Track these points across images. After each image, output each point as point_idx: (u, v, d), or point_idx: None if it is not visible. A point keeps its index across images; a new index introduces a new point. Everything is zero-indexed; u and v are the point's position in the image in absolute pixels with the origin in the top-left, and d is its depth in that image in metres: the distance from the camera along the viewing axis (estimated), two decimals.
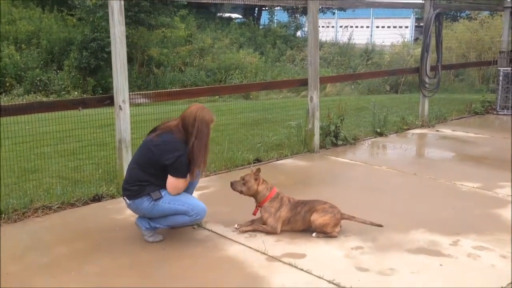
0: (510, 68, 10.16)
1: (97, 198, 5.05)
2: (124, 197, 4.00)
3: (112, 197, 5.12)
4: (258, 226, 4.25)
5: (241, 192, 4.24)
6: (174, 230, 4.19)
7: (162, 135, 3.91)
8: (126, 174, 4.06)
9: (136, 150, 4.10)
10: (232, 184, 4.24)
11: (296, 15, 28.06)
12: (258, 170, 4.22)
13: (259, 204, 4.25)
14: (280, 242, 4.06)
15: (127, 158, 5.12)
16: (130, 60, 16.69)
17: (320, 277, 3.46)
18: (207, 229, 4.29)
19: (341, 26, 29.02)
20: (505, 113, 10.11)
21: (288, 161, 6.57)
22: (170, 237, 4.13)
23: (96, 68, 16.71)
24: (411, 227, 4.34)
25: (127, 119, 5.09)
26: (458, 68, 13.98)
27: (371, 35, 31.43)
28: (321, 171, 6.24)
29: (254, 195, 4.24)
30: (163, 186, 3.94)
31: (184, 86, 17.62)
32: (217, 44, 21.06)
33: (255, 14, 30.86)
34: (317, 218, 4.08)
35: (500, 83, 10.23)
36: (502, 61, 10.40)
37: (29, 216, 4.59)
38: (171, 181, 3.88)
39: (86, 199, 4.99)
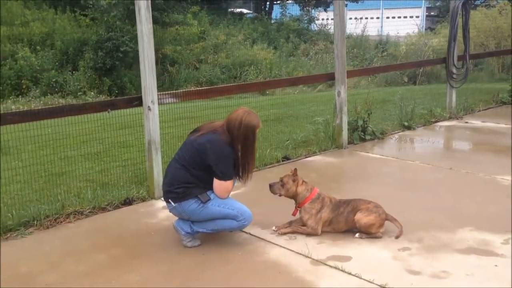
0: None
1: (128, 202, 4.94)
2: (169, 200, 3.85)
3: (143, 200, 5.00)
4: (297, 228, 4.11)
5: (280, 195, 4.10)
6: (211, 234, 4.06)
7: (207, 135, 3.78)
8: (167, 175, 3.92)
9: (177, 151, 3.97)
10: (270, 187, 4.10)
11: (308, 8, 27.76)
12: (296, 170, 4.07)
13: (299, 205, 4.10)
14: (323, 244, 3.91)
15: (157, 159, 5.00)
16: None
17: (370, 281, 3.30)
18: (245, 232, 4.15)
19: (350, 18, 28.67)
20: None
21: (317, 158, 6.41)
22: (207, 242, 3.99)
23: (112, 68, 16.62)
24: (458, 225, 4.17)
25: (156, 120, 4.96)
26: (485, 57, 13.65)
27: (381, 26, 31.10)
28: (353, 167, 6.08)
29: (294, 196, 4.09)
30: (208, 188, 3.82)
31: (199, 83, 17.47)
32: (230, 40, 20.88)
33: (267, 8, 30.62)
34: (362, 218, 3.93)
35: None
36: None
37: (61, 222, 4.48)
38: (217, 184, 3.76)
39: (117, 203, 4.87)
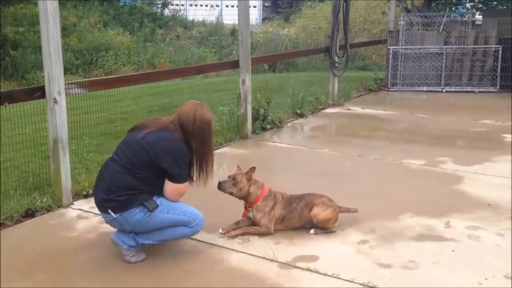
0: (398, 47, 10.72)
1: (30, 213, 4.14)
2: (109, 211, 3.24)
3: (49, 210, 4.24)
4: (248, 229, 3.80)
5: (231, 194, 3.74)
6: (156, 244, 3.55)
7: (158, 133, 3.26)
8: (104, 180, 3.29)
9: (115, 151, 3.37)
10: (220, 185, 3.71)
11: None
12: (253, 169, 3.74)
13: (250, 205, 3.79)
14: (280, 244, 3.66)
15: (64, 161, 4.28)
16: None
17: (351, 281, 3.16)
18: (191, 238, 3.71)
19: (201, 5, 28.44)
20: (395, 89, 10.68)
21: (226, 150, 6.12)
22: (153, 254, 3.49)
23: None
24: (397, 212, 4.23)
25: (63, 114, 4.23)
26: (362, 47, 14.46)
27: (221, 15, 31.36)
28: (265, 158, 5.91)
29: (245, 196, 3.76)
30: (154, 193, 3.31)
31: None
32: (82, 23, 19.29)
33: None
34: (319, 213, 3.76)
35: (390, 61, 10.76)
36: (391, 40, 10.93)
37: None
38: (172, 187, 3.27)
39: (17, 216, 4.05)
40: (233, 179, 3.70)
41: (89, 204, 4.34)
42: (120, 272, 3.28)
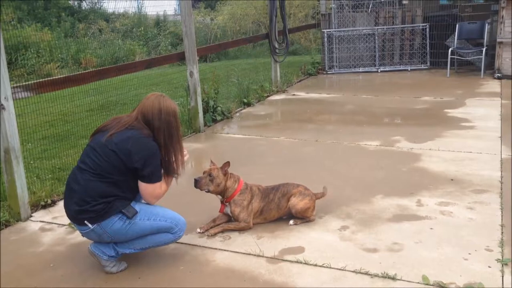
0: (332, 30, 10.87)
1: None
2: (86, 222, 3.01)
3: (6, 225, 3.92)
4: (227, 225, 3.70)
5: (208, 191, 3.61)
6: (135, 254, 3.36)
7: (124, 133, 3.05)
8: (74, 191, 3.03)
9: (81, 158, 3.12)
10: (196, 183, 3.56)
11: None
12: (227, 164, 3.62)
13: (227, 199, 3.68)
14: (263, 238, 3.59)
15: (19, 171, 3.96)
16: None
17: (344, 269, 3.14)
18: None
19: None
20: (333, 72, 10.85)
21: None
22: (133, 261, 3.31)
23: None
24: (367, 194, 4.28)
25: (13, 121, 3.90)
26: (299, 31, 14.46)
27: (138, 5, 30.48)
28: (225, 151, 5.79)
29: (223, 191, 3.65)
30: (131, 198, 3.12)
31: None
32: None
33: None
34: (298, 203, 3.72)
35: (325, 45, 10.90)
36: (324, 23, 11.06)
37: None
38: (147, 188, 3.08)
39: None
40: (209, 175, 3.57)
41: (50, 215, 4.06)
42: (103, 283, 3.08)
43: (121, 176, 3.05)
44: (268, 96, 8.47)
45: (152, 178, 3.11)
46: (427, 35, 10.55)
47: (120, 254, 3.19)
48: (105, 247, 3.15)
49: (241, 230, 3.68)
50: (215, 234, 3.65)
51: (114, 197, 3.05)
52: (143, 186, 3.11)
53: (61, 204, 4.28)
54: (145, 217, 3.12)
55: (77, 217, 3.05)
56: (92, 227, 3.03)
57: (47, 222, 3.96)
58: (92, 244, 3.18)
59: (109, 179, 3.03)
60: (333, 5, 11.03)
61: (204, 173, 3.62)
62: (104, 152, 3.04)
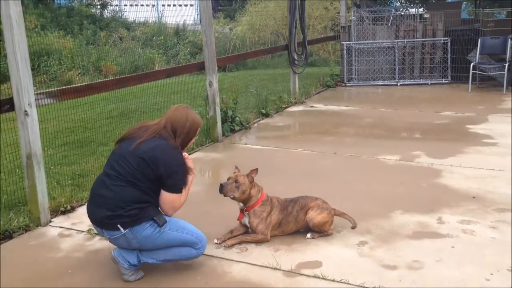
0: (351, 42, 10.84)
1: (8, 235, 3.84)
2: (118, 226, 3.02)
3: (26, 229, 3.95)
4: (245, 237, 3.68)
5: (233, 198, 3.59)
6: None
7: (152, 141, 3.11)
8: (106, 198, 3.06)
9: (108, 166, 3.15)
10: (222, 188, 3.54)
11: None
12: (255, 171, 3.61)
13: (247, 208, 3.66)
14: (280, 251, 3.56)
15: (40, 176, 3.99)
16: None
17: (362, 286, 3.10)
18: None
19: (142, 5, 27.81)
20: (351, 84, 10.80)
21: (200, 155, 5.94)
22: (150, 271, 3.30)
23: None
24: (387, 210, 4.23)
25: (35, 127, 3.94)
26: (319, 43, 14.48)
27: (158, 14, 30.73)
28: (243, 161, 5.72)
29: (246, 199, 3.63)
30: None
31: None
32: None
33: None
34: (315, 216, 3.69)
35: (345, 57, 10.87)
36: (344, 35, 11.04)
37: None
38: (170, 198, 3.12)
39: None
40: (235, 181, 3.56)
41: (69, 221, 4.09)
42: None
43: (151, 183, 3.10)
44: (286, 107, 8.46)
45: (176, 189, 3.14)
46: (449, 49, 10.46)
47: (141, 264, 3.19)
48: (129, 255, 3.16)
49: (258, 242, 3.65)
50: (232, 246, 3.63)
51: (147, 204, 3.10)
52: (164, 195, 3.14)
53: (80, 210, 4.32)
54: (173, 228, 3.16)
55: (109, 222, 3.06)
56: (124, 232, 3.05)
57: (66, 228, 3.98)
58: (116, 250, 3.19)
59: (140, 186, 3.08)
60: (353, 18, 11.01)
61: (229, 179, 3.61)
62: (133, 159, 3.08)
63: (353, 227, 3.84)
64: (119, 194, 3.03)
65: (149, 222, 3.07)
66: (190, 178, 3.25)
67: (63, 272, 3.33)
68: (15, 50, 3.78)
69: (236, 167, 3.73)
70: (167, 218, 3.14)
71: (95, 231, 3.80)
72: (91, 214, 3.14)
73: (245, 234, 3.70)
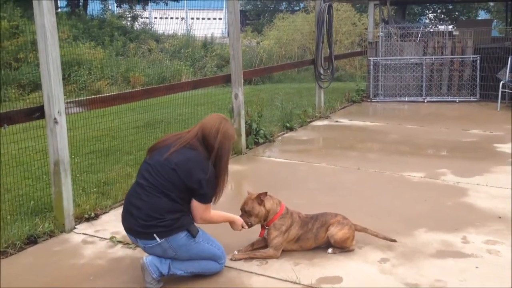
0: (378, 58, 10.80)
1: (32, 240, 3.92)
2: (154, 235, 3.08)
3: (51, 235, 4.03)
4: (254, 253, 3.64)
5: (250, 226, 3.61)
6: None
7: (184, 152, 3.15)
8: (139, 209, 3.11)
9: (140, 176, 3.22)
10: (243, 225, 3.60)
11: (132, 5, 26.66)
12: (264, 194, 3.61)
13: (268, 223, 3.66)
14: (300, 265, 3.55)
15: (66, 183, 4.08)
16: None
17: None
18: None
19: (171, 18, 28.25)
20: (377, 100, 10.74)
21: None
22: (170, 282, 3.31)
23: None
24: (410, 228, 4.17)
25: (64, 135, 4.03)
26: (346, 58, 14.52)
27: (187, 27, 31.12)
28: (266, 174, 5.79)
29: (266, 217, 3.63)
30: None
31: (20, 85, 15.37)
32: None
33: (81, 3, 28.47)
34: (336, 232, 3.66)
35: (371, 72, 10.83)
36: (371, 51, 11.01)
37: None
38: (200, 208, 3.15)
39: (19, 243, 3.82)
40: (244, 211, 3.60)
41: (93, 228, 4.15)
42: None
43: (182, 193, 3.14)
44: (311, 122, 8.45)
45: (206, 199, 3.19)
46: (478, 67, 10.33)
47: (169, 274, 3.21)
48: (162, 265, 3.17)
49: (266, 258, 3.63)
50: (239, 260, 3.60)
51: (181, 213, 3.15)
52: (195, 204, 3.19)
53: (104, 218, 4.39)
54: (205, 240, 3.23)
55: (145, 231, 3.11)
56: (160, 241, 3.10)
57: (90, 235, 4.04)
58: (148, 258, 3.19)
59: (174, 197, 3.12)
60: (381, 34, 10.98)
61: (241, 210, 3.64)
62: (165, 170, 3.13)
63: (392, 240, 3.82)
64: (152, 204, 3.09)
65: (184, 232, 3.12)
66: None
67: (85, 279, 3.38)
68: (48, 60, 3.89)
69: (248, 192, 3.72)
70: (199, 229, 3.21)
71: (118, 239, 3.87)
72: (125, 223, 3.20)
73: (255, 250, 3.68)
